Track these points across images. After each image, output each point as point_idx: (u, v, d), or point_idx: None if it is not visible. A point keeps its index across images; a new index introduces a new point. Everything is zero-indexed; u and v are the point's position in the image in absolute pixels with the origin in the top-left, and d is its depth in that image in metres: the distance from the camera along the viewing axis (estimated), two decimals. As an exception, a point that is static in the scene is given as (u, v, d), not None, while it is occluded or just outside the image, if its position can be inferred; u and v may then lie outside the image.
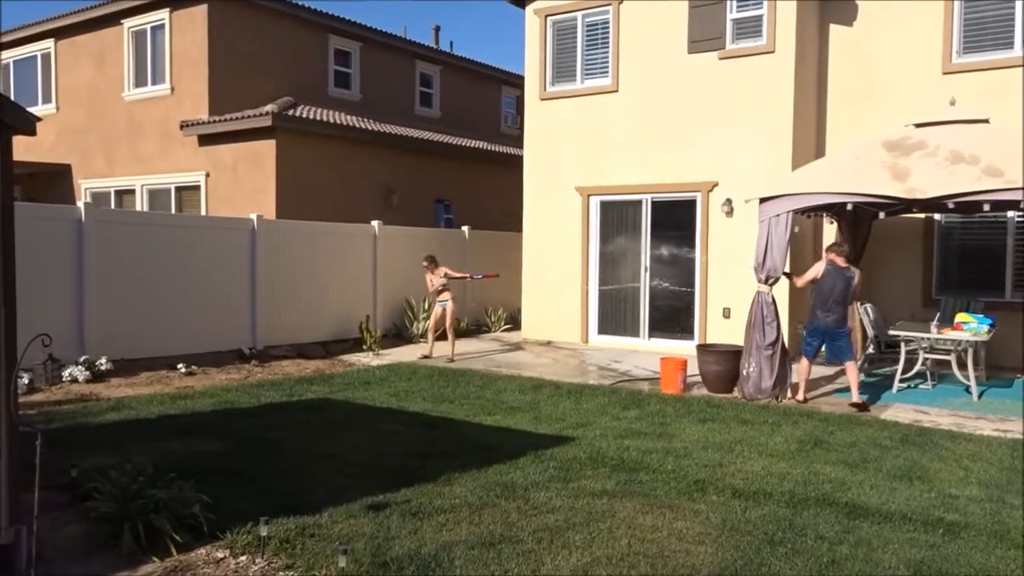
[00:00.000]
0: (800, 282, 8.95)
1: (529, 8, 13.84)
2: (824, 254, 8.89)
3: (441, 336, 12.12)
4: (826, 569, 4.08)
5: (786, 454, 6.43)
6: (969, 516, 4.95)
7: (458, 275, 12.34)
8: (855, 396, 8.37)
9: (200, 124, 15.08)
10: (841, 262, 8.54)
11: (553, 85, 13.71)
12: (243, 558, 4.22)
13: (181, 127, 15.31)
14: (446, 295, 11.97)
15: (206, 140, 15.32)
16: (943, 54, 11.27)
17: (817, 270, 8.67)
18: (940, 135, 8.57)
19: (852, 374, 8.50)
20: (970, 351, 9.07)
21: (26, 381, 8.69)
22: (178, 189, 16.03)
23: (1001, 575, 4.06)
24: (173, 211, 15.64)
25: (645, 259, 12.77)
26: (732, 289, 11.55)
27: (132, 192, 16.74)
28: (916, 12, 11.44)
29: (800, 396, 8.62)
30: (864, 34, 11.95)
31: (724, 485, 5.52)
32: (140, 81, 16.52)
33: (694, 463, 6.10)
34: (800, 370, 8.74)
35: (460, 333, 14.57)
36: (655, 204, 12.69)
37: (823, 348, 8.70)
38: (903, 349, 9.44)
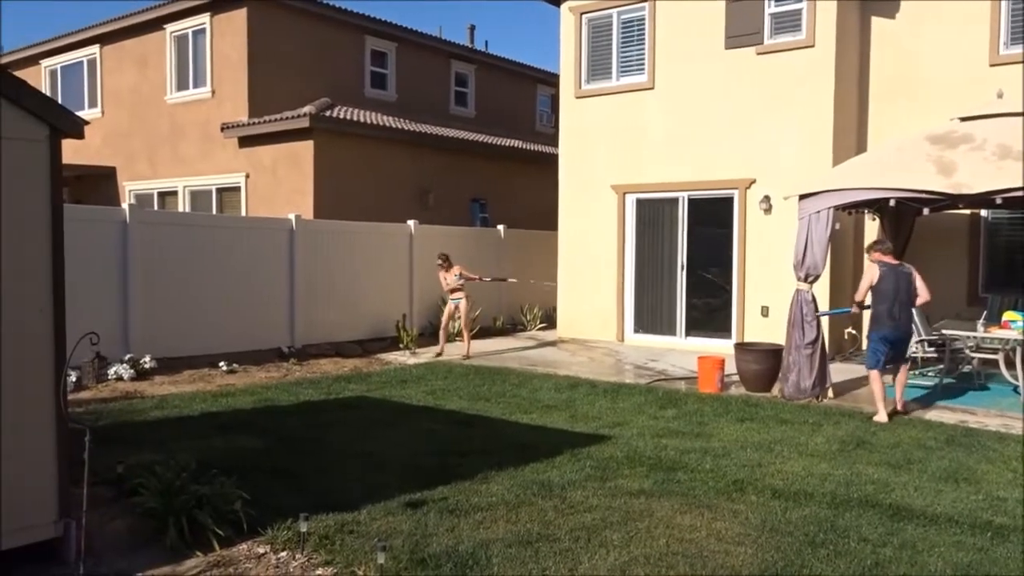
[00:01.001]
0: (860, 296, 8.20)
1: (564, 6, 13.80)
2: (869, 256, 8.24)
3: (446, 334, 12.34)
4: (869, 572, 4.01)
5: (827, 455, 6.34)
6: (1018, 519, 4.83)
7: (471, 276, 12.36)
8: (901, 402, 8.01)
9: (240, 126, 15.31)
10: (891, 259, 7.98)
11: (588, 83, 13.66)
12: (283, 554, 4.28)
13: (222, 129, 15.56)
14: (459, 293, 12.06)
15: (246, 142, 15.55)
16: (990, 45, 10.98)
17: (872, 275, 7.85)
18: (987, 129, 8.37)
19: (903, 377, 8.10)
20: (1018, 350, 8.83)
21: (74, 379, 8.90)
22: (219, 190, 16.30)
23: (1052, 580, 3.95)
24: (214, 212, 15.90)
25: (682, 257, 12.66)
26: (771, 287, 11.40)
27: (174, 193, 17.06)
28: (961, 2, 11.17)
29: (889, 408, 7.76)
30: (906, 27, 11.70)
31: (764, 485, 5.46)
32: (182, 84, 16.83)
33: (733, 463, 6.03)
34: (876, 386, 7.80)
35: (495, 332, 14.63)
36: (692, 202, 12.57)
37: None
38: (948, 348, 9.24)
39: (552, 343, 13.45)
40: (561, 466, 5.89)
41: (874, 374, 7.86)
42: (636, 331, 13.17)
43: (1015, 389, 8.78)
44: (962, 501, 5.17)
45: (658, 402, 8.42)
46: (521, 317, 15.62)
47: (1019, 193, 7.52)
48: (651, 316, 13.07)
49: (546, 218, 15.36)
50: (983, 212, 11.27)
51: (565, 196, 13.97)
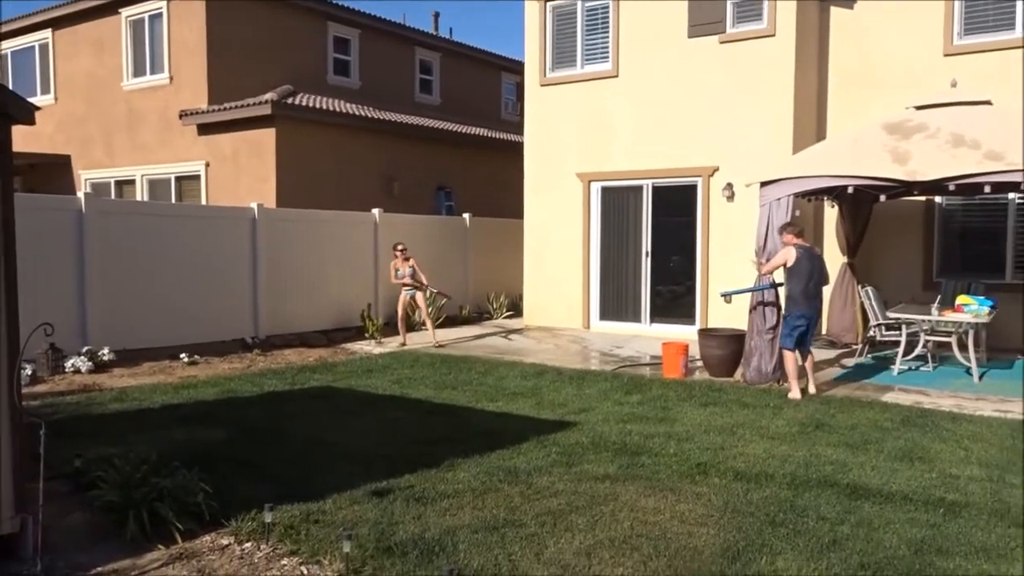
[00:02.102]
0: (767, 269, 8.36)
1: (528, -7, 13.77)
2: (782, 238, 8.25)
3: (405, 325, 12.21)
4: (827, 549, 4.10)
5: (788, 437, 6.45)
6: (970, 496, 4.97)
7: (423, 279, 12.17)
8: (813, 385, 8.18)
9: (199, 113, 15.05)
10: (803, 242, 8.14)
11: (553, 71, 13.66)
12: (248, 544, 4.25)
13: (180, 116, 15.29)
14: (410, 287, 12.04)
15: (206, 129, 15.30)
16: (944, 36, 11.20)
17: (787, 256, 8.00)
18: (941, 117, 8.55)
19: (810, 361, 8.26)
20: (971, 333, 9.07)
21: (29, 372, 8.73)
22: (178, 179, 16.02)
23: (1001, 553, 4.08)
24: (174, 201, 15.63)
25: (646, 244, 12.76)
26: (733, 273, 11.53)
27: (132, 182, 16.74)
28: (917, -7, 11.37)
29: (812, 388, 8.14)
30: (864, 17, 11.88)
31: (726, 468, 5.54)
32: (139, 70, 16.48)
33: (696, 446, 6.12)
34: (791, 365, 8.07)
35: (461, 320, 14.62)
36: (656, 189, 12.67)
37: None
38: (904, 332, 9.45)
39: (518, 331, 13.49)
40: (527, 452, 5.92)
41: (788, 354, 8.10)
42: (602, 318, 13.26)
43: (967, 371, 9.02)
44: (916, 479, 5.30)
45: (623, 388, 8.49)
46: (487, 305, 15.64)
47: (971, 180, 7.69)
48: (616, 303, 13.17)
49: (512, 206, 15.37)
50: (937, 199, 11.52)
51: (531, 184, 13.99)
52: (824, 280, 8.21)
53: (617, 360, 10.37)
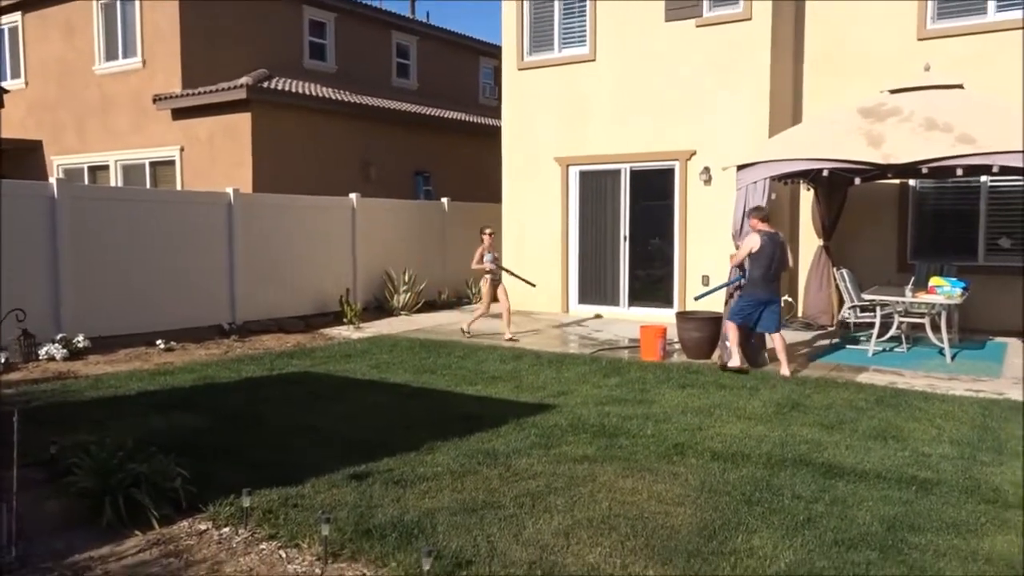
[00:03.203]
0: (737, 261, 8.52)
1: (505, -24, 13.68)
2: (749, 222, 8.45)
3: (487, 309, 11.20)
4: (802, 527, 4.16)
5: (764, 417, 6.53)
6: (941, 473, 5.06)
7: (502, 265, 11.16)
8: (787, 368, 8.21)
9: (173, 98, 14.86)
10: (768, 227, 8.32)
11: (531, 55, 13.61)
12: (226, 529, 4.24)
13: (154, 101, 15.08)
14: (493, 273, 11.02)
15: (180, 114, 15.10)
16: (918, 20, 11.29)
17: (752, 244, 8.21)
18: (915, 101, 8.63)
19: (781, 344, 8.31)
20: (943, 314, 9.21)
21: (2, 359, 8.62)
22: (153, 164, 15.82)
23: (971, 528, 4.16)
24: (148, 187, 15.44)
25: (624, 228, 12.80)
26: (711, 257, 11.62)
27: (106, 168, 16.50)
28: (892, -23, 11.44)
29: (786, 371, 8.17)
30: (839, 2, 11.93)
31: (703, 448, 5.60)
32: (111, 54, 16.22)
33: (673, 427, 6.17)
34: (732, 335, 8.29)
35: (441, 305, 14.60)
36: (634, 173, 12.69)
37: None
38: (878, 313, 9.57)
39: (498, 315, 13.46)
40: (506, 435, 5.94)
41: (731, 325, 8.33)
42: (581, 302, 13.31)
43: (940, 351, 9.15)
44: (890, 458, 5.39)
45: (602, 371, 8.53)
46: (466, 290, 15.60)
47: (944, 163, 7.78)
48: (595, 287, 13.21)
49: (491, 191, 15.34)
50: (911, 182, 11.65)
51: (509, 169, 13.96)
52: (784, 265, 8.37)
53: (596, 343, 10.41)
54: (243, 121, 14.34)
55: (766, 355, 8.95)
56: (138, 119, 15.75)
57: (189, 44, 15.04)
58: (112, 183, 16.11)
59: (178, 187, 15.12)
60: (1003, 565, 3.72)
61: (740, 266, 8.55)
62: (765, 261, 8.19)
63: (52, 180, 9.98)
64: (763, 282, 8.24)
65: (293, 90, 14.96)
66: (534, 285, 11.78)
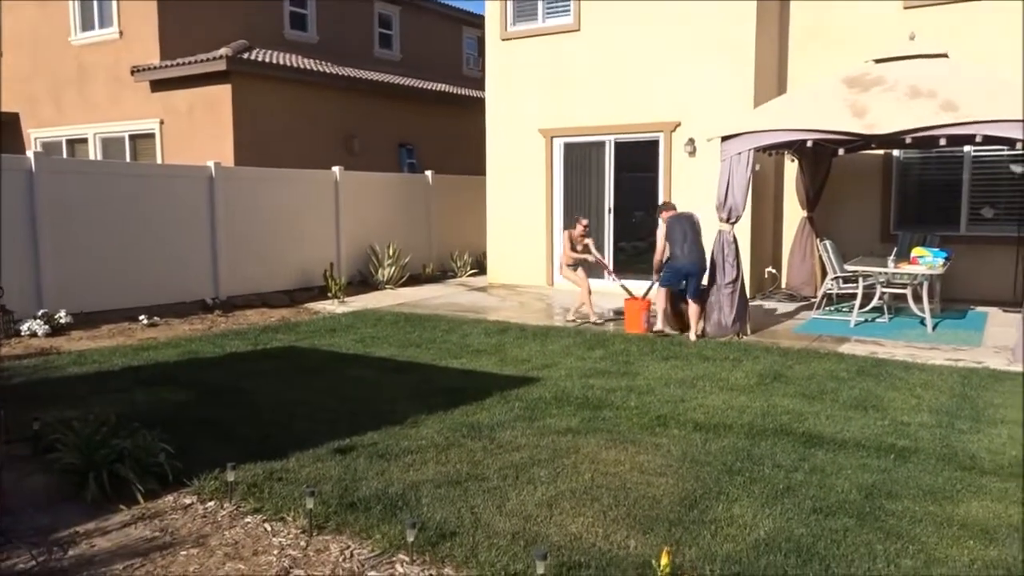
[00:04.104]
0: (659, 255, 9.04)
1: (488, -56, 13.49)
2: (660, 218, 9.20)
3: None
4: (782, 495, 4.22)
5: (746, 388, 6.59)
6: (919, 441, 5.13)
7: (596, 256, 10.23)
8: (695, 330, 8.79)
9: (151, 69, 14.62)
10: (674, 212, 9.02)
11: (514, 25, 13.46)
12: (211, 503, 4.25)
13: (132, 72, 14.84)
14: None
15: (159, 86, 14.87)
16: (903, -11, 11.25)
17: (661, 232, 9.01)
18: (899, 71, 8.61)
19: (695, 310, 8.81)
20: (925, 284, 9.28)
21: (-17, 336, 8.55)
22: (132, 137, 15.60)
23: (947, 495, 4.23)
24: (128, 160, 15.25)
25: (609, 200, 12.78)
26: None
27: (84, 141, 16.26)
28: (877, -54, 11.36)
29: (693, 336, 8.77)
30: (826, -31, 11.86)
31: (685, 419, 5.65)
32: (87, 24, 15.91)
33: (656, 399, 6.22)
34: (660, 302, 8.95)
35: (425, 279, 14.58)
36: (618, 145, 12.64)
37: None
38: (861, 284, 9.64)
39: (482, 289, 13.50)
40: (490, 408, 5.97)
41: (662, 290, 8.97)
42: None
43: (921, 321, 9.24)
44: (869, 427, 5.46)
45: (586, 344, 8.57)
46: (451, 264, 15.59)
47: (927, 132, 7.80)
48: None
49: (475, 163, 15.26)
50: (895, 152, 11.68)
51: (493, 141, 13.87)
52: (696, 231, 8.81)
53: (581, 316, 10.42)
54: (223, 93, 14.15)
55: (748, 326, 9.02)
56: (116, 91, 15.50)
57: (167, 14, 14.77)
58: (91, 156, 15.89)
59: (158, 160, 14.94)
60: (977, 530, 3.79)
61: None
62: (678, 239, 8.76)
63: (30, 153, 9.83)
64: (682, 255, 8.72)
65: (274, 61, 14.76)
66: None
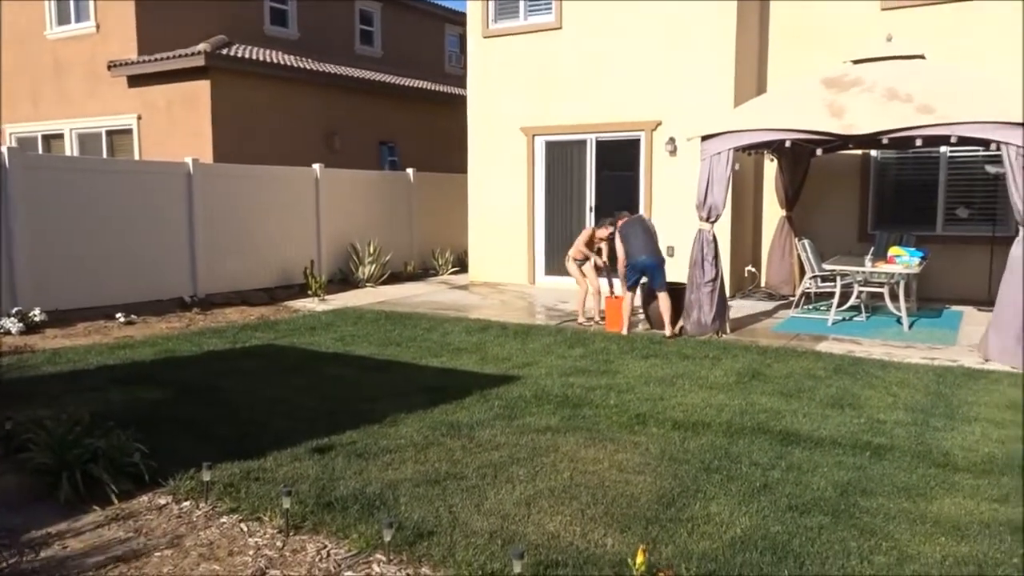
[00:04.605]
0: (620, 262, 9.16)
1: (470, -58, 13.46)
2: (613, 232, 9.39)
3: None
4: (758, 493, 4.25)
5: (725, 386, 6.62)
6: (895, 439, 5.18)
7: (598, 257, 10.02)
8: (668, 329, 8.84)
9: (129, 64, 14.47)
10: (627, 218, 9.25)
11: (496, 22, 13.45)
12: (186, 503, 4.21)
13: (109, 67, 14.68)
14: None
15: (136, 81, 14.72)
16: (882, -10, 11.35)
17: (617, 241, 9.16)
18: (877, 72, 8.68)
19: (666, 305, 8.85)
20: (902, 283, 9.38)
21: (-45, 334, 8.43)
22: (109, 133, 15.43)
23: (920, 492, 4.28)
24: (105, 156, 15.08)
25: (591, 199, 12.80)
26: (676, 228, 11.65)
27: (60, 137, 16.07)
28: (856, -53, 11.46)
29: (624, 330, 8.99)
30: (805, -30, 11.94)
31: (664, 418, 5.67)
32: (63, 18, 15.72)
33: (636, 397, 6.24)
34: (626, 304, 9.03)
35: (406, 277, 14.55)
36: (600, 144, 12.67)
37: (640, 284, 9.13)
38: (838, 283, 9.72)
39: (464, 287, 13.48)
40: (470, 407, 5.96)
41: (628, 294, 9.07)
42: (547, 273, 13.32)
43: (898, 320, 9.34)
44: (845, 425, 5.51)
45: (567, 342, 8.58)
46: (433, 262, 15.56)
47: (904, 133, 7.87)
48: (561, 258, 13.16)
49: (457, 161, 15.22)
50: (873, 153, 11.79)
51: (474, 139, 13.84)
52: (647, 231, 8.98)
53: (562, 315, 10.45)
54: (202, 89, 14.03)
55: (727, 325, 9.07)
56: (93, 86, 15.32)
57: (144, 8, 14.61)
58: (67, 152, 15.70)
59: (136, 156, 14.79)
60: (949, 527, 3.83)
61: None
62: (632, 239, 8.96)
63: (3, 149, 9.69)
64: (639, 253, 8.87)
65: (254, 57, 14.64)
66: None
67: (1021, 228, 7.37)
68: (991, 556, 3.53)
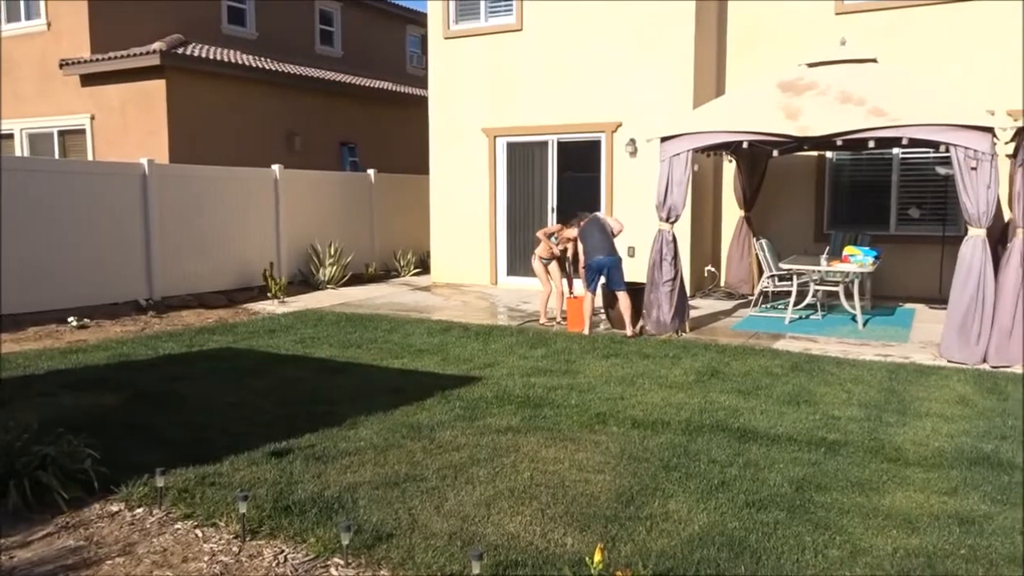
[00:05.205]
0: (582, 261, 9.23)
1: (430, -58, 13.42)
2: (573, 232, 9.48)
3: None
4: (716, 490, 4.29)
5: (684, 385, 6.69)
6: (849, 435, 5.28)
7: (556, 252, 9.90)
8: (629, 328, 8.90)
9: (82, 63, 14.16)
10: (586, 219, 9.26)
11: (457, 24, 13.42)
12: (139, 510, 4.13)
13: (61, 66, 14.35)
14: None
15: (90, 80, 14.42)
16: (836, -5, 11.58)
17: (579, 241, 9.26)
18: (830, 75, 8.84)
19: (626, 304, 8.92)
20: (856, 282, 9.56)
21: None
22: (61, 133, 15.09)
23: (874, 487, 4.36)
24: (57, 156, 14.73)
25: (552, 200, 12.84)
26: (636, 229, 11.73)
27: (11, 137, 15.65)
28: (811, -48, 11.66)
29: (586, 330, 9.03)
30: (762, -26, 12.12)
31: (625, 417, 5.71)
32: (12, 15, 15.33)
33: (597, 397, 6.27)
34: (587, 306, 9.05)
35: (368, 278, 14.44)
36: (561, 145, 12.71)
37: (602, 283, 9.13)
38: (795, 282, 9.88)
39: (426, 288, 13.43)
40: (431, 408, 5.94)
41: (588, 296, 9.05)
42: (510, 274, 13.33)
43: (853, 318, 9.52)
44: (801, 421, 5.59)
45: (529, 343, 8.59)
46: (395, 263, 15.48)
47: (857, 135, 8.02)
48: (524, 259, 13.20)
49: (418, 162, 15.17)
50: (828, 154, 12.01)
51: (436, 140, 13.80)
52: (603, 230, 9.02)
53: (524, 315, 10.47)
54: (157, 89, 13.78)
55: (687, 324, 9.17)
56: (44, 85, 14.96)
57: (97, 6, 14.31)
58: (17, 153, 15.30)
59: (89, 157, 14.47)
60: (900, 520, 3.91)
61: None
62: (588, 239, 9.02)
63: (-51, 149, 9.43)
64: (596, 252, 8.90)
65: (211, 57, 14.42)
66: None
67: (969, 228, 7.56)
68: (940, 548, 3.62)
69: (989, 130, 7.35)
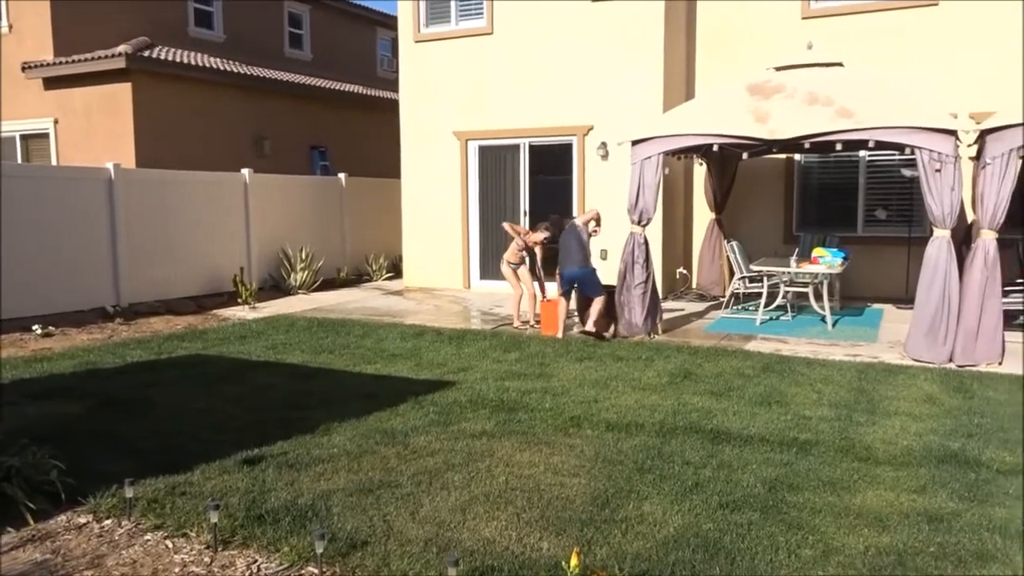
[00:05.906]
0: (539, 254, 9.65)
1: (400, -55, 13.38)
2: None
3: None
4: (690, 491, 4.32)
5: (657, 387, 6.72)
6: (820, 434, 5.34)
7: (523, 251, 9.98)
8: (590, 325, 8.96)
9: (45, 66, 13.93)
10: (566, 227, 9.29)
11: (427, 27, 13.40)
12: (108, 522, 4.06)
13: (23, 69, 14.09)
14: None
15: (53, 83, 14.18)
16: (802, 0, 11.71)
17: (543, 244, 9.68)
18: (798, 78, 8.95)
19: (597, 308, 8.97)
20: (825, 283, 9.68)
21: None
22: (24, 137, 14.83)
23: (845, 486, 4.41)
24: (20, 161, 14.45)
25: (524, 203, 12.85)
26: (609, 232, 11.77)
27: (-29, 141, 15.33)
28: (778, -42, 11.81)
29: (560, 333, 9.05)
30: (730, -21, 12.24)
31: (599, 420, 5.72)
32: (-28, 18, 15.01)
33: (571, 400, 6.27)
34: (560, 309, 9.08)
35: (340, 283, 14.34)
36: (533, 148, 12.73)
37: (576, 289, 9.28)
38: (766, 283, 9.98)
39: (398, 292, 13.37)
40: (405, 414, 5.90)
41: (561, 300, 9.12)
42: (482, 278, 13.31)
43: (822, 319, 9.63)
44: (773, 422, 5.65)
45: (502, 346, 8.58)
46: (367, 267, 15.39)
47: (825, 138, 8.13)
48: (496, 263, 13.16)
49: (390, 166, 15.10)
50: (796, 157, 12.14)
51: (407, 143, 13.76)
52: (579, 241, 9.02)
53: (497, 319, 10.46)
54: (123, 92, 13.58)
55: (660, 326, 9.22)
56: (6, 89, 14.67)
57: (61, 8, 14.08)
58: (-21, 157, 15.00)
59: (54, 162, 14.22)
60: (871, 519, 3.96)
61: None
62: (562, 249, 9.14)
63: (-93, 154, 9.21)
64: (567, 262, 9.01)
65: (178, 59, 14.26)
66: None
67: (935, 229, 7.69)
68: (910, 545, 3.67)
69: (952, 133, 7.48)
